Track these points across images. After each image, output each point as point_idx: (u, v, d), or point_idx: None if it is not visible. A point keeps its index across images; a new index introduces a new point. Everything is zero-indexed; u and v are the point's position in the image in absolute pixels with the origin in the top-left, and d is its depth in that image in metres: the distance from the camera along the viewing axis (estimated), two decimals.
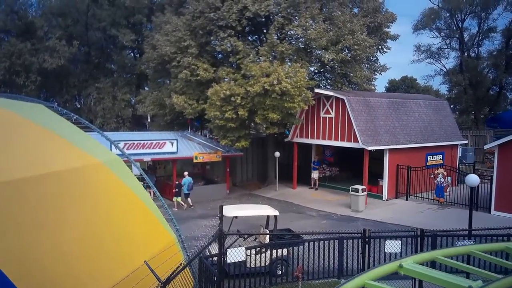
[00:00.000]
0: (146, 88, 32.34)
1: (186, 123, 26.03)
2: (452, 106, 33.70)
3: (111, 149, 13.03)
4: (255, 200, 21.73)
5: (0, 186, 5.84)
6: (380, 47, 24.95)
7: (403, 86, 53.47)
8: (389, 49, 25.44)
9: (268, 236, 11.83)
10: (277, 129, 21.83)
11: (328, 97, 21.98)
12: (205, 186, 22.49)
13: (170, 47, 22.74)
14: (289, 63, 21.75)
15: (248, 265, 10.54)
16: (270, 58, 21.29)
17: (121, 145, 18.90)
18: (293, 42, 22.72)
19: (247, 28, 23.64)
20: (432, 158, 23.07)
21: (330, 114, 21.94)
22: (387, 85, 54.78)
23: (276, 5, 21.38)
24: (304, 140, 23.60)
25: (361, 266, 10.92)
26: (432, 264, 7.78)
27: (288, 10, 21.50)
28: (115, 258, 7.02)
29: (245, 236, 11.58)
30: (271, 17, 22.44)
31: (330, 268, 11.14)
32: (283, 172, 24.11)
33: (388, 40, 25.29)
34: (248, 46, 22.19)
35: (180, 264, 7.08)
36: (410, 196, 21.05)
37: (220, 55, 24.40)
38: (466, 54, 35.85)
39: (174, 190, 19.86)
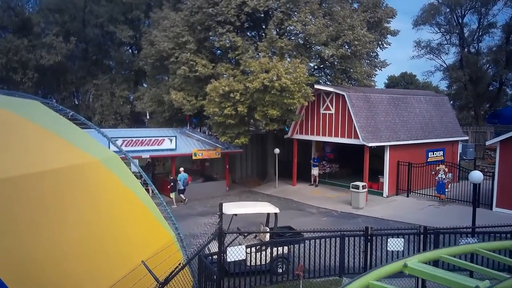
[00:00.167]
0: (145, 85, 32.11)
1: (185, 120, 25.84)
2: (451, 102, 33.54)
3: (109, 147, 12.87)
4: (254, 197, 21.58)
5: None
6: (380, 42, 24.73)
7: (403, 82, 53.42)
8: (389, 45, 25.24)
9: (268, 233, 11.68)
10: (276, 125, 21.65)
11: (328, 93, 21.79)
12: (204, 183, 22.35)
13: (168, 43, 22.51)
14: (288, 59, 21.54)
15: (248, 263, 10.38)
16: (270, 54, 21.08)
17: (119, 142, 18.76)
18: (293, 38, 22.51)
19: (246, 24, 23.40)
20: (433, 154, 22.93)
21: (330, 110, 21.76)
22: (386, 81, 54.80)
23: (275, 0, 21.14)
24: (304, 137, 23.43)
25: (363, 264, 10.76)
26: (435, 262, 7.66)
27: (288, 6, 21.26)
28: (114, 258, 6.86)
29: (245, 234, 11.41)
30: (270, 12, 22.20)
31: (332, 266, 10.99)
32: (283, 169, 23.96)
33: (388, 36, 25.06)
34: (247, 42, 21.97)
35: (179, 264, 6.90)
36: (411, 193, 20.91)
37: (218, 51, 24.17)
38: (466, 49, 35.67)
39: (169, 186, 19.68)
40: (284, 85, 18.82)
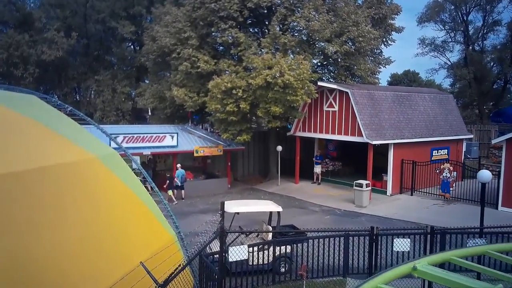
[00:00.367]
0: (146, 81, 31.88)
1: (186, 117, 25.62)
2: (455, 100, 33.23)
3: (109, 144, 12.64)
4: (256, 195, 21.37)
5: None
6: (384, 39, 24.42)
7: (405, 80, 53.08)
8: (394, 42, 24.94)
9: (271, 233, 11.46)
10: (279, 122, 21.41)
11: (331, 90, 21.52)
12: (206, 180, 22.13)
13: (170, 38, 22.28)
14: (291, 56, 21.28)
15: (250, 263, 10.16)
16: (272, 50, 20.81)
17: (120, 138, 18.54)
18: (296, 34, 22.23)
19: (248, 20, 23.15)
20: (437, 152, 22.67)
21: (334, 107, 21.50)
22: (389, 79, 54.44)
23: None
24: (306, 134, 23.19)
25: (367, 264, 10.53)
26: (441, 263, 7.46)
27: (291, 1, 21.00)
28: (113, 257, 6.67)
29: (247, 233, 11.19)
30: (273, 8, 21.93)
31: (335, 266, 10.76)
32: (285, 166, 23.72)
33: (392, 33, 24.76)
34: (249, 38, 21.71)
35: (179, 265, 6.68)
36: (415, 191, 20.67)
37: (221, 47, 23.93)
38: (470, 47, 35.30)
39: (165, 185, 19.45)
40: (287, 81, 18.57)
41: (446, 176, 19.80)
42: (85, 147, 7.64)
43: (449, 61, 37.63)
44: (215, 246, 9.70)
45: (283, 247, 11.04)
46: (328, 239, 10.67)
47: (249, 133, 21.34)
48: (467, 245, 10.14)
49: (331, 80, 24.53)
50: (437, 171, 20.25)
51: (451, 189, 19.72)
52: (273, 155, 24.10)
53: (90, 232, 6.52)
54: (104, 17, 32.66)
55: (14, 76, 31.04)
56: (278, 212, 11.67)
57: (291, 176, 23.81)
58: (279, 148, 22.74)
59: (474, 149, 27.63)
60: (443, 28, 36.56)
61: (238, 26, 21.99)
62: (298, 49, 21.49)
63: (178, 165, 20.14)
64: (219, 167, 23.88)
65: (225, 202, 10.59)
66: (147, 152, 19.85)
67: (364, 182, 18.90)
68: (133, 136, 19.22)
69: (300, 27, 21.54)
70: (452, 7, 35.22)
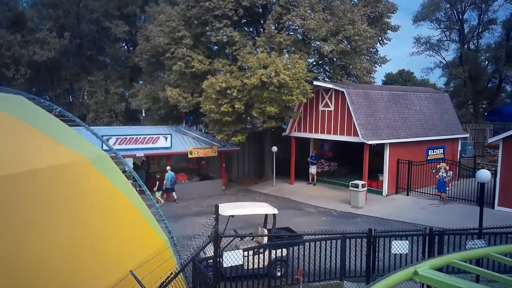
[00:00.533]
0: (140, 82, 31.56)
1: (180, 117, 25.36)
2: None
3: (102, 146, 12.37)
4: (251, 196, 21.15)
5: None
6: (380, 38, 24.28)
7: (400, 80, 53.16)
8: (390, 41, 24.81)
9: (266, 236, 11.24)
10: (274, 123, 21.19)
11: (327, 90, 21.34)
12: (200, 182, 21.87)
13: (164, 38, 22.02)
14: (287, 55, 21.08)
15: (245, 267, 9.93)
16: (268, 50, 20.60)
17: (112, 140, 18.29)
18: (291, 33, 22.03)
19: (243, 19, 22.93)
20: (433, 152, 22.55)
21: (329, 107, 21.32)
22: (384, 78, 54.51)
23: None
24: (302, 134, 22.99)
25: (365, 267, 10.34)
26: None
27: (287, 0, 20.79)
28: (103, 263, 6.42)
29: (242, 237, 10.95)
30: (268, 6, 21.72)
31: (332, 269, 10.56)
32: (281, 167, 23.51)
33: (388, 31, 24.61)
34: (244, 37, 21.49)
35: (171, 274, 6.44)
36: (411, 191, 20.54)
37: (215, 47, 23.69)
38: (466, 46, 35.27)
39: (155, 188, 19.19)
40: (282, 81, 18.36)
41: (442, 176, 19.68)
42: (74, 149, 7.37)
43: (444, 60, 37.67)
44: (209, 250, 9.47)
45: (278, 251, 10.82)
46: (325, 241, 10.47)
47: (244, 134, 21.12)
48: (466, 247, 9.99)
49: (327, 79, 24.35)
50: (433, 171, 20.13)
51: (447, 188, 19.60)
52: (268, 156, 23.89)
53: (81, 236, 6.29)
54: (97, 17, 32.32)
55: (5, 77, 30.61)
56: (274, 215, 11.44)
57: (286, 177, 23.61)
58: (274, 148, 22.54)
59: (469, 148, 27.55)
60: (438, 27, 36.56)
61: (233, 25, 21.76)
62: (293, 48, 21.29)
63: (168, 168, 19.93)
64: (214, 169, 23.65)
65: (220, 205, 10.36)
66: (140, 153, 19.59)
67: (360, 182, 18.74)
68: (126, 138, 18.93)
69: (296, 26, 21.34)
70: (448, 5, 35.18)
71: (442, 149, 23.05)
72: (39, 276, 5.55)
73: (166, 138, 20.02)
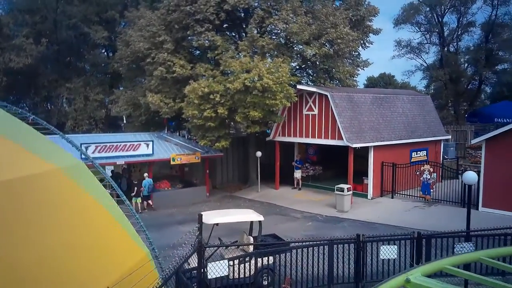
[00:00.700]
0: (121, 88, 30.95)
1: (162, 124, 24.90)
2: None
3: (80, 155, 11.91)
4: (236, 202, 20.82)
5: None
6: (362, 41, 24.33)
7: (381, 83, 53.74)
8: (372, 44, 24.88)
9: (252, 242, 10.94)
10: (258, 127, 20.96)
11: (311, 94, 21.22)
12: (184, 189, 21.43)
13: (144, 42, 21.63)
14: (270, 59, 20.89)
15: (231, 277, 9.59)
16: (250, 54, 20.38)
17: (92, 148, 17.75)
18: (274, 37, 21.87)
19: (225, 23, 22.70)
20: (417, 154, 22.63)
21: (313, 111, 21.19)
22: (365, 82, 55.03)
23: None
24: (286, 139, 22.80)
25: (353, 273, 10.12)
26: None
27: (269, 3, 20.64)
28: (79, 279, 6.01)
29: (227, 246, 10.62)
30: (250, 10, 21.54)
31: (320, 275, 10.31)
32: (265, 172, 23.26)
33: (370, 35, 24.69)
34: (227, 42, 21.25)
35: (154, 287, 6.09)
36: (396, 194, 20.53)
37: (197, 51, 23.37)
38: (446, 49, 35.72)
39: (134, 190, 18.78)
40: (266, 85, 18.14)
41: (426, 178, 19.72)
42: (47, 158, 6.96)
43: (425, 62, 38.07)
44: (194, 261, 9.10)
45: (265, 258, 10.52)
46: (312, 248, 10.22)
47: (227, 139, 20.81)
48: (455, 250, 9.90)
49: (310, 83, 24.27)
50: (418, 173, 20.16)
51: (431, 190, 19.64)
52: (252, 161, 23.62)
53: (54, 251, 5.87)
54: (75, 23, 31.54)
55: None
56: (260, 222, 11.15)
57: (271, 182, 23.37)
58: (259, 153, 22.28)
59: (451, 150, 27.78)
60: (419, 30, 36.96)
61: (215, 30, 21.52)
62: (276, 52, 21.14)
63: (145, 174, 19.52)
64: (197, 175, 23.23)
65: (203, 213, 10.02)
66: (120, 161, 19.08)
67: (345, 186, 18.61)
68: (106, 145, 18.39)
69: (278, 29, 21.19)
70: (428, 9, 35.61)
71: (425, 151, 23.15)
72: None
73: (147, 145, 19.55)
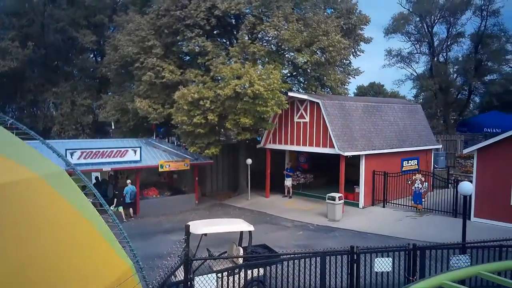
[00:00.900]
0: (109, 93, 30.42)
1: (151, 130, 24.44)
2: None
3: (66, 164, 11.42)
4: (226, 211, 20.43)
5: None
6: (353, 50, 24.25)
7: (371, 92, 54.03)
8: (363, 52, 24.80)
9: (241, 253, 10.54)
10: (249, 135, 20.64)
11: (302, 101, 21.00)
12: (172, 196, 20.96)
13: (133, 47, 21.25)
14: (261, 66, 20.65)
15: None
16: (241, 60, 20.11)
17: (77, 153, 17.25)
18: (265, 44, 21.66)
19: (216, 29, 22.45)
20: (408, 163, 22.49)
21: (305, 118, 20.95)
22: (355, 91, 55.28)
23: (247, 4, 20.23)
24: (277, 146, 22.51)
25: (345, 284, 9.78)
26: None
27: (260, 10, 20.43)
28: None
29: (216, 258, 10.22)
30: (241, 16, 21.32)
31: (312, 287, 9.95)
32: (256, 180, 22.90)
33: (361, 43, 24.62)
34: (217, 48, 20.97)
35: None
36: (387, 203, 20.32)
37: (187, 57, 23.05)
38: (436, 58, 35.94)
39: (114, 200, 18.26)
40: (257, 92, 17.86)
41: (418, 187, 19.55)
42: (26, 165, 6.53)
43: (415, 72, 38.24)
44: (181, 273, 8.68)
45: (255, 270, 10.13)
46: (304, 259, 9.87)
47: (217, 146, 20.45)
48: (451, 263, 9.64)
49: (301, 90, 24.07)
50: (409, 182, 20.00)
51: (423, 200, 19.47)
52: (242, 169, 23.25)
53: (30, 264, 5.44)
54: (63, 26, 30.99)
55: None
56: (250, 232, 10.77)
57: (261, 190, 23.02)
58: (249, 161, 21.93)
59: (441, 159, 27.75)
60: (409, 40, 37.15)
61: (205, 35, 21.22)
62: (267, 59, 20.91)
63: (128, 181, 19.08)
64: (186, 183, 22.78)
65: (191, 223, 9.62)
66: (107, 168, 18.57)
67: (336, 195, 18.35)
68: (92, 151, 17.87)
69: (270, 36, 20.99)
70: (418, 19, 35.86)
71: (416, 160, 23.03)
72: None
73: (135, 151, 19.06)
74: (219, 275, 8.76)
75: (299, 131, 21.26)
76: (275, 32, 20.18)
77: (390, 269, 9.12)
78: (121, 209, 18.29)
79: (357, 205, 20.22)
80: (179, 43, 21.79)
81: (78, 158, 17.19)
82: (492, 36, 34.32)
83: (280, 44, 21.15)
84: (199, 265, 9.01)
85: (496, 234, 13.86)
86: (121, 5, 32.55)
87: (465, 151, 19.22)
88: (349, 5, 23.57)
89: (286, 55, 22.48)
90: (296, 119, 21.37)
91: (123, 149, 18.80)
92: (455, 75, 37.06)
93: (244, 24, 20.32)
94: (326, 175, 23.55)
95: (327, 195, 18.57)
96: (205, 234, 10.49)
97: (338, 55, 20.99)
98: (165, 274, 8.40)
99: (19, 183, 5.98)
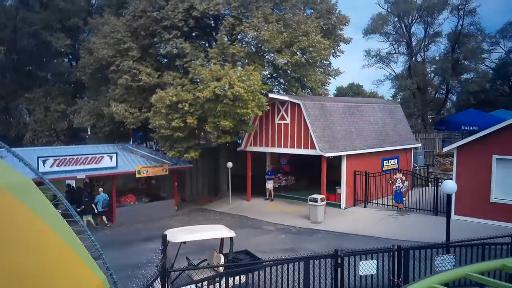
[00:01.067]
0: (85, 98, 29.59)
1: (128, 134, 23.80)
2: None
3: (38, 169, 10.88)
4: (206, 216, 20.02)
5: None
6: (333, 50, 24.18)
7: (350, 93, 54.41)
8: (343, 53, 24.78)
9: (222, 260, 10.21)
10: (229, 137, 20.27)
11: (283, 102, 20.78)
12: (150, 203, 20.34)
13: (108, 50, 20.65)
14: (240, 68, 20.35)
15: None
16: (221, 61, 19.77)
17: (50, 161, 16.59)
18: (245, 45, 21.37)
19: (194, 31, 22.03)
20: (388, 162, 22.53)
21: (286, 120, 20.74)
22: (335, 91, 55.59)
23: (226, 4, 19.92)
24: (258, 149, 22.22)
25: None
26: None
27: (239, 10, 20.13)
28: None
29: (195, 268, 9.84)
30: (220, 18, 20.98)
31: None
32: (237, 183, 22.53)
33: (341, 44, 24.58)
34: (196, 49, 20.57)
35: None
36: (368, 203, 20.28)
37: (165, 59, 22.55)
38: (414, 58, 36.32)
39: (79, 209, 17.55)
40: (237, 94, 17.54)
41: (398, 186, 19.57)
42: None
43: (394, 72, 38.58)
44: (158, 285, 8.29)
45: (237, 278, 9.80)
46: (287, 265, 9.60)
47: (197, 150, 20.02)
48: (435, 263, 9.52)
49: (282, 92, 23.86)
50: (390, 182, 20.00)
51: (404, 199, 19.49)
52: (223, 172, 22.87)
53: None
54: (36, 30, 30.03)
55: None
56: (231, 238, 10.44)
57: (243, 193, 22.69)
58: (230, 164, 21.57)
59: (420, 158, 27.97)
60: (387, 40, 37.45)
61: (184, 37, 20.78)
62: (247, 60, 20.62)
63: (100, 189, 18.57)
64: (165, 188, 22.21)
65: (169, 231, 9.26)
66: (81, 175, 17.90)
67: (318, 196, 18.18)
68: (66, 159, 17.17)
69: (249, 37, 20.72)
70: (396, 19, 36.19)
71: (396, 159, 23.10)
72: None
73: (111, 158, 18.44)
74: (199, 285, 8.41)
75: (280, 133, 21.03)
76: (255, 33, 19.91)
77: (375, 272, 8.92)
78: (90, 217, 17.64)
79: (339, 206, 20.11)
80: (157, 45, 21.32)
81: (51, 166, 16.52)
82: (468, 35, 34.90)
83: (260, 45, 20.89)
84: (177, 276, 8.64)
85: (477, 232, 13.92)
86: (96, 8, 31.81)
87: (445, 149, 19.30)
88: (328, 6, 23.50)
89: (266, 56, 22.24)
90: (277, 121, 21.14)
91: (98, 156, 18.17)
92: (433, 74, 37.54)
93: (223, 25, 19.99)
94: (307, 176, 23.38)
95: (309, 196, 18.39)
96: (184, 242, 10.11)
97: (318, 55, 20.85)
98: (143, 286, 8.01)
99: None
